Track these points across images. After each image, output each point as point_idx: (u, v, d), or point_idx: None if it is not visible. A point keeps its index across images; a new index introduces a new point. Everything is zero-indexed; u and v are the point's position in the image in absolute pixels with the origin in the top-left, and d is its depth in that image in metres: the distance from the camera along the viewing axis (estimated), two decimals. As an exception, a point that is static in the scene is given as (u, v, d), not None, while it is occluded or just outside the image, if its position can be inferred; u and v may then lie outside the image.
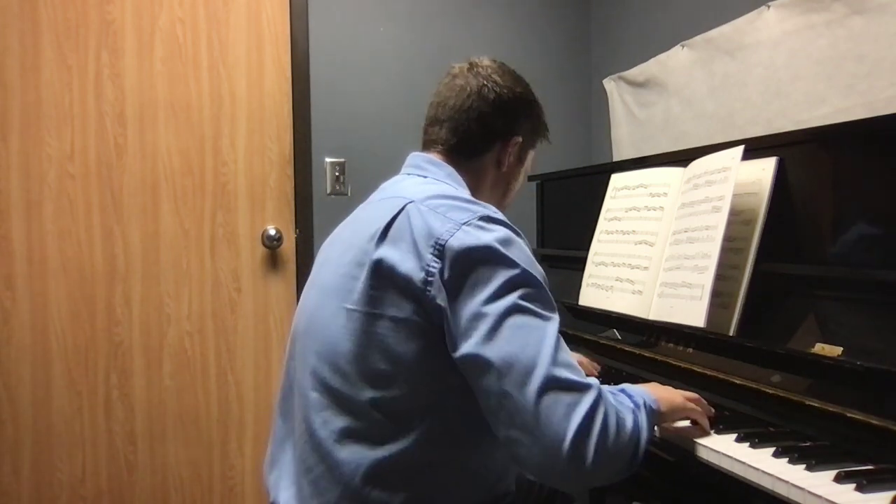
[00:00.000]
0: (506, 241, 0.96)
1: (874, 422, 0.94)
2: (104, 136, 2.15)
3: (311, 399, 1.03)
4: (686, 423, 1.11)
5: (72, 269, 2.13)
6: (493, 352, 0.89)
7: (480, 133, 1.15)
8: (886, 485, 0.84)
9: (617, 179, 1.70)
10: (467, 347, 0.91)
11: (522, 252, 0.97)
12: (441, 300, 0.93)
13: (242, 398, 2.29)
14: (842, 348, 1.04)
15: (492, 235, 0.95)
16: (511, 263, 0.94)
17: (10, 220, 2.07)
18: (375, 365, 0.97)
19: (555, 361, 0.89)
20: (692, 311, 1.26)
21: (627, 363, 1.49)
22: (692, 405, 1.09)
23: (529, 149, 1.24)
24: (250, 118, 2.29)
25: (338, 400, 1.00)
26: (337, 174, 2.37)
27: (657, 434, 1.11)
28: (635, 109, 2.41)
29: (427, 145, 1.19)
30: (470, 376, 0.93)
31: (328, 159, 2.36)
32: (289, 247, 2.34)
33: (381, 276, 0.97)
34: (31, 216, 2.09)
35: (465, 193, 1.09)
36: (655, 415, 1.01)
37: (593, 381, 0.92)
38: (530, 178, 2.23)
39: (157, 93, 2.20)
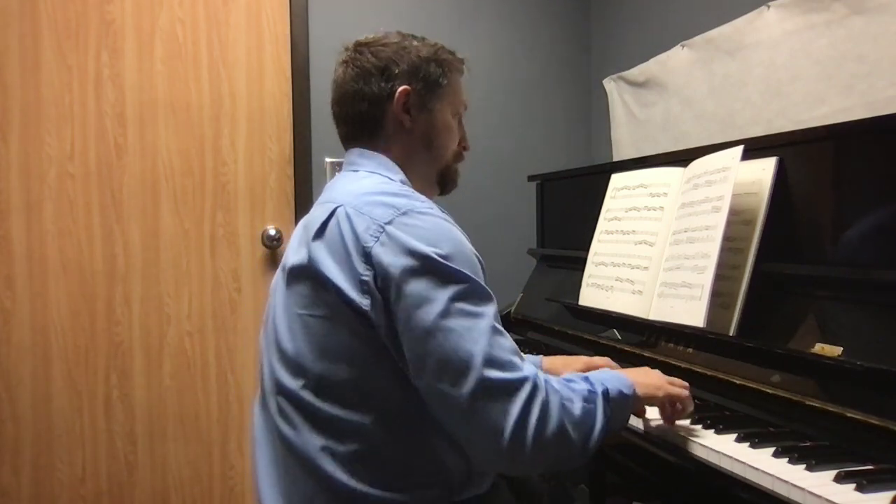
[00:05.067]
0: (430, 237, 0.96)
1: (874, 422, 0.94)
2: (104, 136, 2.15)
3: (275, 400, 1.05)
4: (687, 421, 1.12)
5: (72, 269, 2.13)
6: (428, 355, 0.92)
7: (368, 108, 1.14)
8: (886, 485, 0.84)
9: (617, 179, 1.70)
10: (406, 350, 0.95)
11: (449, 242, 0.97)
12: (378, 308, 0.95)
13: (242, 398, 2.29)
14: (842, 348, 1.04)
15: (415, 234, 0.96)
16: (436, 264, 0.94)
17: (10, 220, 2.07)
18: (327, 364, 0.99)
19: (486, 361, 0.91)
20: (692, 311, 1.26)
21: (627, 363, 1.49)
22: (673, 388, 1.08)
23: (432, 91, 1.16)
24: (250, 118, 2.30)
25: (295, 398, 1.01)
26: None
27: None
28: (635, 109, 2.41)
29: (345, 143, 1.21)
30: (411, 375, 0.96)
31: (328, 159, 2.36)
32: (289, 247, 2.34)
33: (320, 283, 0.99)
34: (31, 216, 2.09)
35: (397, 180, 1.10)
36: (626, 399, 1.01)
37: (528, 372, 0.93)
38: (530, 178, 2.23)
39: (157, 93, 2.20)
